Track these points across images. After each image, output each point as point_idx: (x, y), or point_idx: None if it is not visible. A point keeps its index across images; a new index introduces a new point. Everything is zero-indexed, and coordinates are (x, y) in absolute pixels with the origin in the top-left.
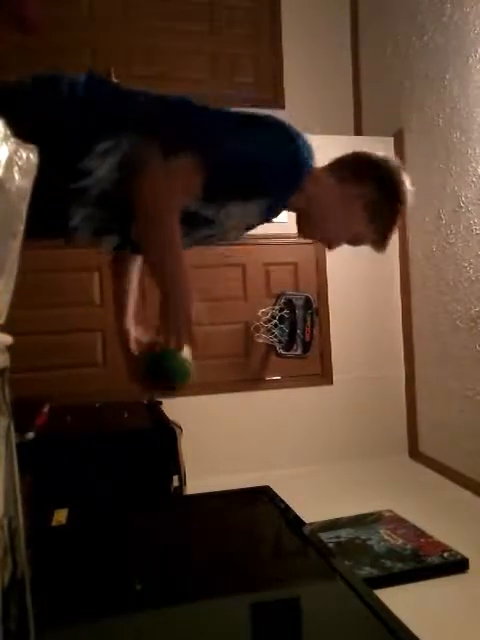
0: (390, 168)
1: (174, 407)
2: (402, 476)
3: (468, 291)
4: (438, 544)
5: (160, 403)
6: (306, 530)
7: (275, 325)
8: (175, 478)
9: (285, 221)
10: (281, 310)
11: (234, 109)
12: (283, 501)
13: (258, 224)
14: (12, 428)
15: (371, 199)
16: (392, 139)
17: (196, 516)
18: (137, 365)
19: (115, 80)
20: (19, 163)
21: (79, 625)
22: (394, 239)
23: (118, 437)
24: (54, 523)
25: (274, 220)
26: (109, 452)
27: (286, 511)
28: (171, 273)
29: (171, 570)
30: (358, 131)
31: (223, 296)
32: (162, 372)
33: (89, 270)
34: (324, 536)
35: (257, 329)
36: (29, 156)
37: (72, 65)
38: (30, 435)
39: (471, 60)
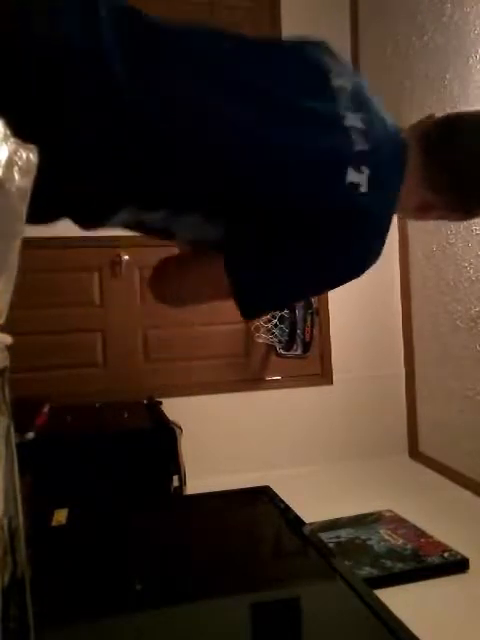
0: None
1: (174, 407)
2: (402, 476)
3: (468, 291)
4: (438, 544)
5: (160, 403)
6: (306, 530)
7: (275, 325)
8: (175, 478)
9: None
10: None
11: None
12: (283, 501)
13: None
14: (12, 428)
15: (445, 214)
16: None
17: (196, 516)
18: None
19: None
20: (19, 163)
21: (79, 625)
22: (394, 239)
23: (118, 437)
24: (54, 523)
25: None
26: (109, 452)
27: (286, 511)
28: None
29: (171, 570)
30: None
31: None
32: None
33: (89, 270)
34: (324, 536)
35: (257, 329)
36: (29, 156)
37: None
38: (30, 435)
39: (471, 60)
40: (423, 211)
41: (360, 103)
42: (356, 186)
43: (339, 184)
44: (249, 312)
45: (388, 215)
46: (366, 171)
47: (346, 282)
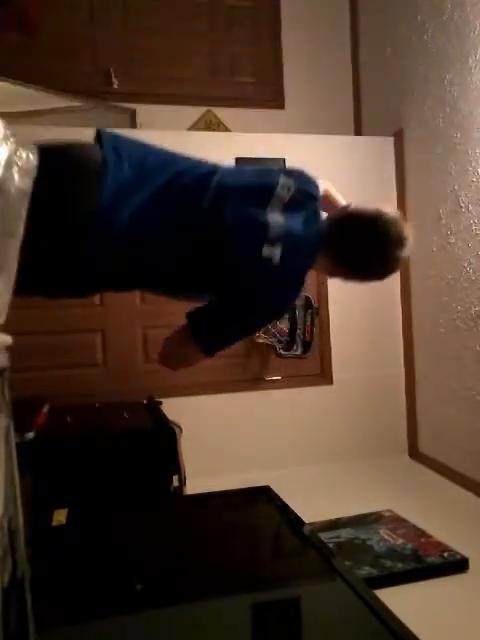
0: (362, 259)
1: (174, 407)
2: (402, 476)
3: (468, 291)
4: (438, 544)
5: (160, 403)
6: (306, 530)
7: (275, 325)
8: (175, 478)
9: None
10: None
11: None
12: (283, 501)
13: None
14: (12, 428)
15: (348, 279)
16: (392, 139)
17: (196, 516)
18: None
19: (115, 82)
20: (19, 163)
21: (79, 625)
22: None
23: (118, 437)
24: (54, 523)
25: None
26: (109, 452)
27: (286, 511)
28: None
29: (171, 570)
30: (358, 131)
31: None
32: None
33: None
34: (324, 536)
35: None
36: (29, 156)
37: (72, 65)
38: (30, 435)
39: (471, 60)
40: (331, 274)
41: (290, 206)
42: (269, 259)
43: (259, 257)
44: (209, 350)
45: (297, 279)
46: (278, 249)
47: (274, 320)
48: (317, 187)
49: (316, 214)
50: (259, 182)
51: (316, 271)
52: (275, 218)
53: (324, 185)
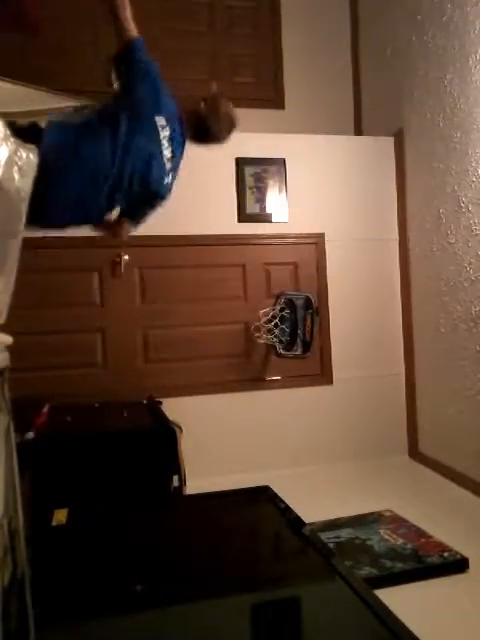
0: None
1: (174, 407)
2: (402, 476)
3: (468, 291)
4: (438, 544)
5: (160, 403)
6: (306, 530)
7: (275, 325)
8: (175, 478)
9: (285, 221)
10: (282, 310)
11: None
12: (283, 501)
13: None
14: (12, 427)
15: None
16: (392, 139)
17: (196, 516)
18: None
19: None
20: (19, 163)
21: (79, 625)
22: (394, 239)
23: (118, 437)
24: (54, 523)
25: (274, 220)
26: (109, 452)
27: (286, 511)
28: None
29: (171, 570)
30: (358, 131)
31: (223, 296)
32: None
33: (89, 270)
34: (324, 536)
35: (257, 329)
36: (29, 156)
37: (72, 65)
38: (30, 435)
39: (471, 60)
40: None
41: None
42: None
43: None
44: None
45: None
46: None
47: None
48: None
49: None
50: None
51: None
52: (166, 151)
53: None
